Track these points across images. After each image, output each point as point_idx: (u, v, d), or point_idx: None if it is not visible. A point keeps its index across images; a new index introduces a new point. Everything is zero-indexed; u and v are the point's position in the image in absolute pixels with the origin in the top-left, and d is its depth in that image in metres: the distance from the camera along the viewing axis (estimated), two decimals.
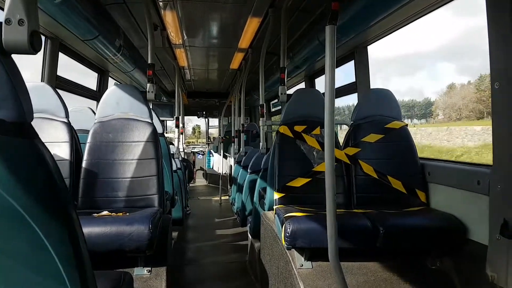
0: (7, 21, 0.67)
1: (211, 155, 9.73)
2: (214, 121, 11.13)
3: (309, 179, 2.55)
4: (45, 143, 0.70)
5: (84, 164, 2.39)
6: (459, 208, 2.11)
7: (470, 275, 1.98)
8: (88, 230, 1.81)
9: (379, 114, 2.68)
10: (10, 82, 0.63)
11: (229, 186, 6.90)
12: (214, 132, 11.17)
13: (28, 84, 0.70)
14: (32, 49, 0.69)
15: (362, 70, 3.31)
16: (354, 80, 3.45)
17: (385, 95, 2.76)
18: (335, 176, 1.58)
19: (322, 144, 2.60)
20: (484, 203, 1.80)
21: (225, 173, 7.52)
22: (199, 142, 11.38)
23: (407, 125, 2.63)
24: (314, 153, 2.61)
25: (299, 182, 2.54)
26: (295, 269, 2.08)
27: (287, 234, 1.99)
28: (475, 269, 1.88)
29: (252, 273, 3.21)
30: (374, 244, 2.02)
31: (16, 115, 0.64)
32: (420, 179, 2.48)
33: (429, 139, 37.80)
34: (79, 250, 0.70)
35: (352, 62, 3.46)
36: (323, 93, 2.71)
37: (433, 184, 2.43)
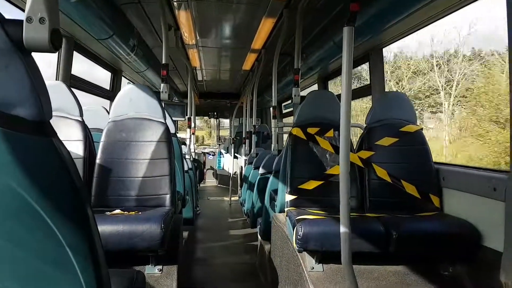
0: (28, 19, 0.67)
1: (221, 155, 9.74)
2: (224, 122, 11.14)
3: (322, 182, 2.52)
4: None
5: (97, 163, 2.41)
6: (473, 214, 2.07)
7: (484, 282, 1.94)
8: (100, 228, 1.80)
9: (394, 118, 2.64)
10: (30, 80, 0.63)
11: (239, 187, 6.90)
12: (224, 133, 11.19)
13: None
14: (53, 47, 0.69)
15: (377, 72, 3.27)
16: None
17: (399, 98, 2.72)
18: (349, 180, 1.56)
19: (335, 147, 2.58)
20: (500, 210, 1.77)
21: (235, 174, 7.53)
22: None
23: (422, 128, 2.59)
24: (327, 155, 2.59)
25: (311, 184, 2.52)
26: (305, 272, 2.06)
27: (298, 236, 1.97)
28: (489, 276, 1.84)
29: (262, 275, 3.19)
30: (387, 248, 1.99)
31: (35, 113, 0.63)
32: (434, 184, 2.43)
33: None
34: (95, 249, 0.70)
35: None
36: (337, 95, 2.70)
37: (447, 189, 2.38)
